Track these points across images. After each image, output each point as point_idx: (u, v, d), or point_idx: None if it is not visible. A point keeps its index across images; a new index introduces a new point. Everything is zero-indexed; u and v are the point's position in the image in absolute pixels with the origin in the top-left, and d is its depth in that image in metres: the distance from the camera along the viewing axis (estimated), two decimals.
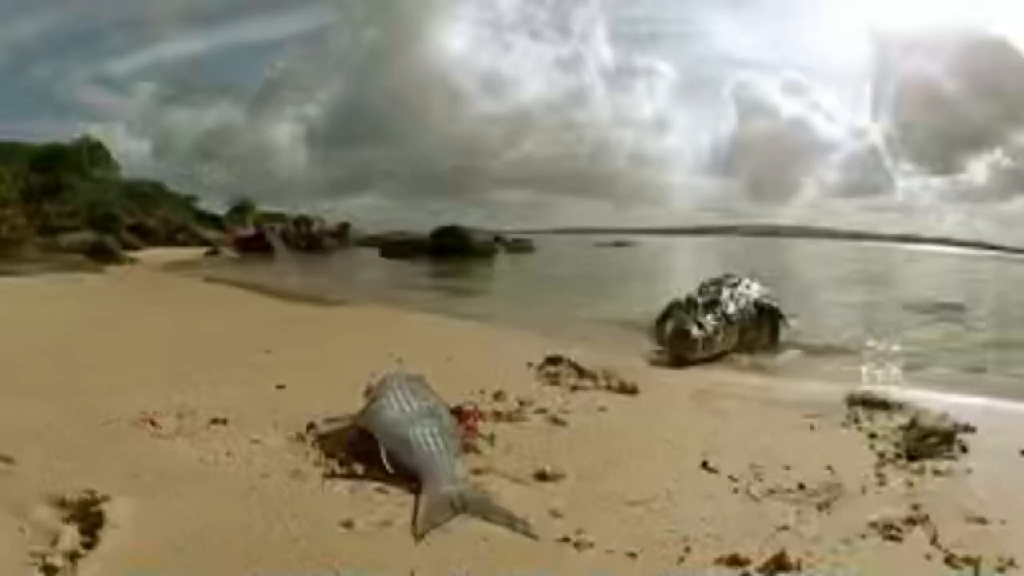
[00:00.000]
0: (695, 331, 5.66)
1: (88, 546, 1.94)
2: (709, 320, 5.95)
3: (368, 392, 3.10)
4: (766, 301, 6.91)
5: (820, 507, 2.34)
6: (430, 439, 2.60)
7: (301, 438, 2.90)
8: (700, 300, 6.37)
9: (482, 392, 3.75)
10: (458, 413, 3.01)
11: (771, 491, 2.47)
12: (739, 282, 7.07)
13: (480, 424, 3.07)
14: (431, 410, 2.84)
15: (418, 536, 2.06)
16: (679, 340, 5.65)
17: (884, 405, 3.64)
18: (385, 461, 2.51)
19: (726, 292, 6.60)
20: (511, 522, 2.14)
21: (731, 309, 6.30)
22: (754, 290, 7.01)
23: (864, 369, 5.53)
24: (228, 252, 29.37)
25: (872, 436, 3.16)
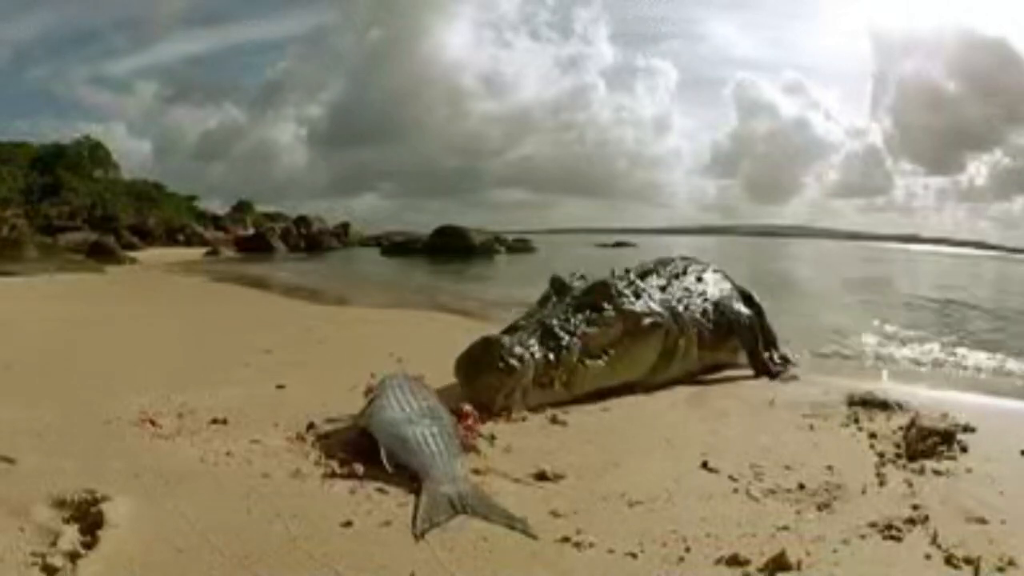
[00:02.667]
0: (513, 352, 3.21)
1: (88, 546, 1.94)
2: (578, 326, 3.54)
3: (368, 392, 3.10)
4: (726, 302, 4.55)
5: (820, 507, 2.33)
6: (429, 439, 2.59)
7: (301, 438, 2.90)
8: (570, 297, 3.75)
9: None
10: (458, 414, 3.01)
11: (771, 491, 2.47)
12: (685, 271, 4.64)
13: (480, 425, 3.07)
14: (431, 410, 2.84)
15: (418, 536, 2.06)
16: (475, 371, 3.21)
17: (884, 405, 3.63)
18: (385, 461, 2.51)
19: (632, 284, 4.08)
20: (511, 522, 2.14)
21: (638, 306, 3.88)
22: (710, 284, 4.63)
23: (864, 369, 5.51)
24: (228, 252, 29.37)
25: (872, 436, 3.16)
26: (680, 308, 4.20)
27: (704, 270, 4.85)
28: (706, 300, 4.48)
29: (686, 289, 4.43)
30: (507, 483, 2.50)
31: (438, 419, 2.76)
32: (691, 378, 4.27)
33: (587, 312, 3.70)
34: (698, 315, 4.32)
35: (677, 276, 4.55)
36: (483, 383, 3.21)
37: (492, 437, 2.96)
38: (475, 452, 2.77)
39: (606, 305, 3.77)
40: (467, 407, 3.09)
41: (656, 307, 3.99)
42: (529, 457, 2.75)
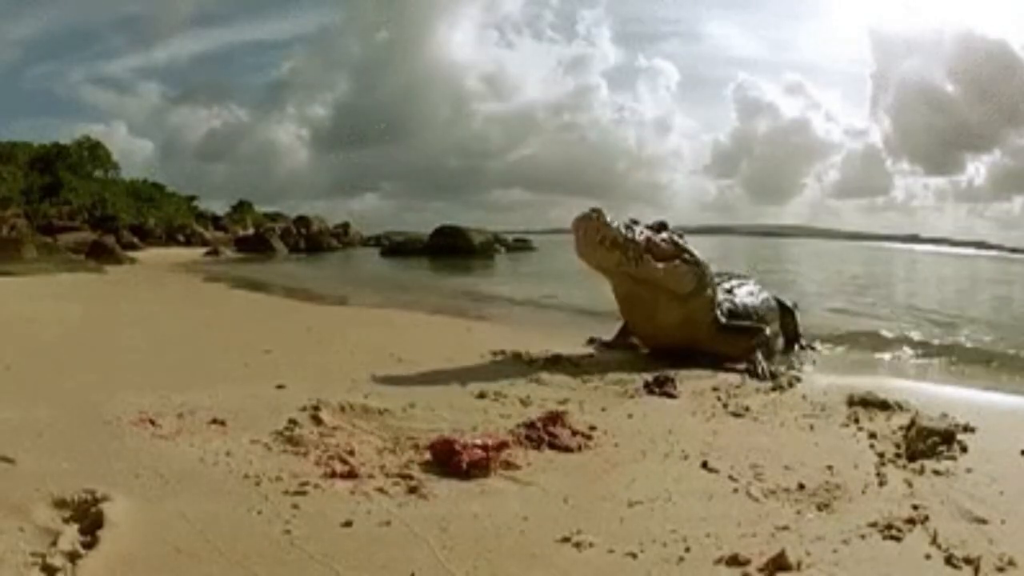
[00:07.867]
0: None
1: (88, 546, 1.93)
2: (644, 232, 4.83)
3: None
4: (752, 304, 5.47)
5: (820, 507, 2.33)
6: None
7: (301, 438, 2.90)
8: None
9: (483, 396, 3.76)
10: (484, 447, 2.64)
11: (771, 491, 2.47)
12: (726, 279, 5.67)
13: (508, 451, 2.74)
14: None
15: None
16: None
17: (884, 405, 3.63)
18: None
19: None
20: None
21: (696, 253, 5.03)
22: (741, 294, 5.54)
23: (864, 369, 5.51)
24: (228, 252, 29.39)
25: (872, 436, 3.16)
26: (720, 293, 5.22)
27: (743, 283, 5.71)
28: (734, 301, 5.37)
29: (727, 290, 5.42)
30: (507, 483, 2.51)
31: None
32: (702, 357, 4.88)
33: (656, 232, 4.91)
34: (725, 304, 5.24)
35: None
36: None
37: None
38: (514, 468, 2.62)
39: (665, 234, 4.93)
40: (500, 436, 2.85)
41: (700, 257, 5.00)
42: (528, 457, 2.75)
